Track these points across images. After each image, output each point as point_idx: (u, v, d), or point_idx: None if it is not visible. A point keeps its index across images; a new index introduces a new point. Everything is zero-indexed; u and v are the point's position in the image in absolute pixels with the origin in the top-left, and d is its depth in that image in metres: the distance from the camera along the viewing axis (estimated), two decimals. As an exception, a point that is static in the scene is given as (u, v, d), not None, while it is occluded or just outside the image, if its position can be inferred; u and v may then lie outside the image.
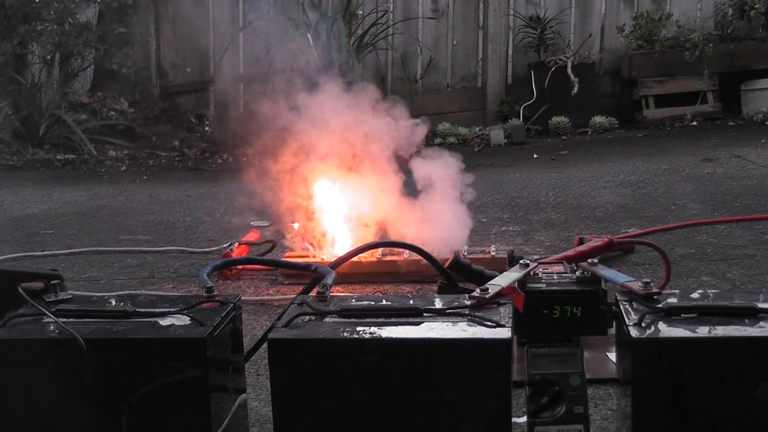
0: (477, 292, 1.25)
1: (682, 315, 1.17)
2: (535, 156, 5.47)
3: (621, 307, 1.22)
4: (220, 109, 6.91)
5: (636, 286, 1.25)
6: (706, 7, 6.77)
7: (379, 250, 2.52)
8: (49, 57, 7.08)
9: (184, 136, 6.87)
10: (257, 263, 2.67)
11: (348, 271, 2.36)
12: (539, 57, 6.68)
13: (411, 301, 1.29)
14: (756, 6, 6.28)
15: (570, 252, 2.44)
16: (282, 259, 2.61)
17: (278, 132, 2.56)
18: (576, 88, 6.32)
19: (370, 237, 2.54)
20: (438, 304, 1.25)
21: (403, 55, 6.92)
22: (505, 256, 2.41)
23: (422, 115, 6.61)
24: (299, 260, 2.51)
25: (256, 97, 2.66)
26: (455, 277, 1.66)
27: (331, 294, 1.31)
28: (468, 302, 1.24)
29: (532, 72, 6.55)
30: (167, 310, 1.26)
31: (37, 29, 6.68)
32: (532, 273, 1.34)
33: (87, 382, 1.16)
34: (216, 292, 1.31)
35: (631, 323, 1.15)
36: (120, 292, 2.46)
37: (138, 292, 2.51)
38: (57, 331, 1.20)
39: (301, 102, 2.51)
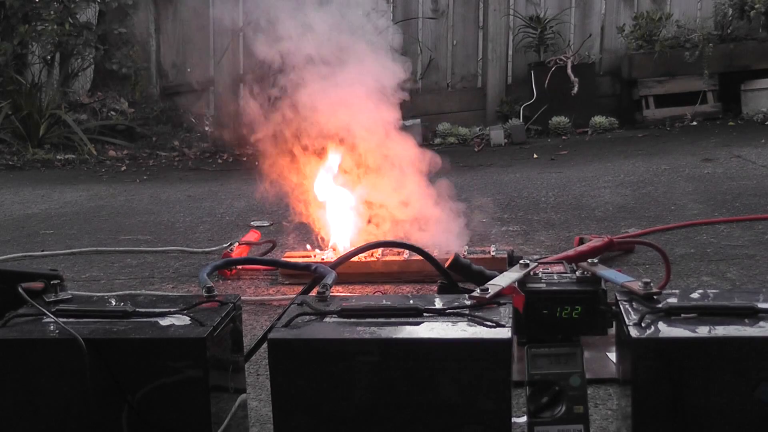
0: (477, 292, 1.25)
1: (682, 315, 1.17)
2: (535, 156, 5.47)
3: (621, 307, 1.22)
4: (220, 108, 6.91)
5: (636, 286, 1.25)
6: (706, 7, 6.77)
7: (379, 250, 2.52)
8: (49, 57, 7.08)
9: (184, 136, 6.87)
10: (257, 263, 2.66)
11: (348, 271, 2.36)
12: (539, 57, 6.68)
13: (411, 301, 1.29)
14: (756, 6, 6.28)
15: (570, 252, 2.44)
16: (282, 259, 2.61)
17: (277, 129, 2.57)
18: (576, 88, 6.32)
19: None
20: (438, 304, 1.24)
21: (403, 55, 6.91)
22: (505, 256, 2.41)
23: (422, 115, 6.65)
24: (299, 260, 2.51)
25: (256, 96, 2.66)
26: (455, 277, 1.65)
27: (331, 294, 1.31)
28: (468, 302, 1.24)
29: (532, 72, 6.55)
30: (167, 310, 1.26)
31: (37, 29, 6.69)
32: (532, 273, 1.34)
33: (87, 382, 1.16)
34: (216, 292, 1.31)
35: (631, 323, 1.15)
36: (120, 292, 2.46)
37: (138, 292, 2.51)
38: (57, 331, 1.20)
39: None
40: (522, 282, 1.31)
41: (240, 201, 4.23)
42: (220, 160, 6.23)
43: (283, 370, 1.15)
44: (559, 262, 1.43)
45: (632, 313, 1.19)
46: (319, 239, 2.67)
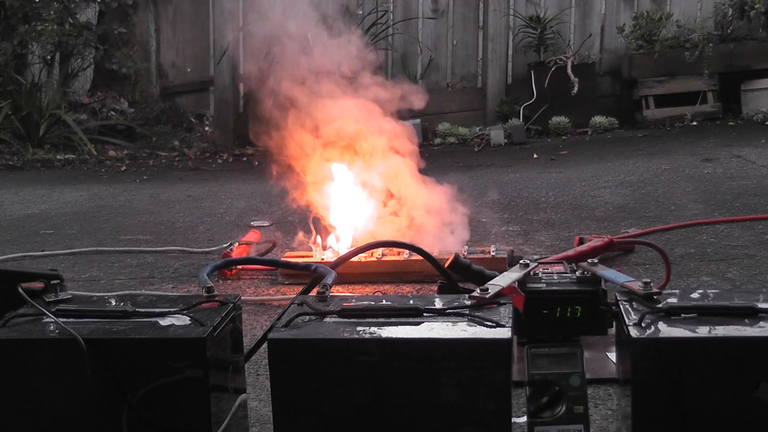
0: (477, 292, 1.25)
1: (682, 315, 1.17)
2: (535, 156, 5.47)
3: (621, 307, 1.22)
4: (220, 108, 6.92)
5: (636, 286, 1.25)
6: (706, 7, 6.77)
7: (379, 250, 2.52)
8: (49, 57, 7.08)
9: (184, 136, 6.87)
10: (257, 263, 2.66)
11: (348, 271, 2.36)
12: (539, 57, 6.68)
13: (411, 301, 1.29)
14: (756, 6, 6.28)
15: (570, 252, 2.44)
16: (282, 259, 2.61)
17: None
18: (576, 88, 6.32)
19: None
20: (438, 304, 1.24)
21: (403, 55, 6.92)
22: (505, 256, 2.41)
23: (422, 115, 6.65)
24: (299, 260, 2.51)
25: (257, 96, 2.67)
26: (455, 277, 1.65)
27: (331, 294, 1.31)
28: (468, 302, 1.24)
29: (532, 72, 6.55)
30: (167, 310, 1.26)
31: (37, 29, 6.69)
32: (532, 273, 1.34)
33: (87, 382, 1.16)
34: (216, 292, 1.31)
35: (631, 323, 1.15)
36: (120, 292, 2.46)
37: (138, 292, 2.51)
38: (57, 331, 1.20)
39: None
40: (522, 282, 1.31)
41: (240, 201, 4.23)
42: (220, 160, 6.23)
43: (283, 370, 1.15)
44: (559, 262, 1.43)
45: (632, 313, 1.19)
46: (321, 236, 2.68)
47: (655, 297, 1.22)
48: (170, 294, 2.47)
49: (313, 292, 1.37)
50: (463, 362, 1.11)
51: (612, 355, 1.60)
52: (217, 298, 1.29)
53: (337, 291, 2.32)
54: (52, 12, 6.72)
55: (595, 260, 1.37)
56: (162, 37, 7.35)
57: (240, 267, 2.63)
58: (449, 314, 1.20)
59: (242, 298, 1.69)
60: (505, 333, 1.13)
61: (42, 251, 3.15)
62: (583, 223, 3.20)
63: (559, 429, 1.21)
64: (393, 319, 1.20)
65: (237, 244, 2.82)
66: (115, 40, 7.12)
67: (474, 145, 6.24)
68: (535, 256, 2.29)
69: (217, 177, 5.38)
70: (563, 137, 6.25)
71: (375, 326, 1.18)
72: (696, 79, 6.30)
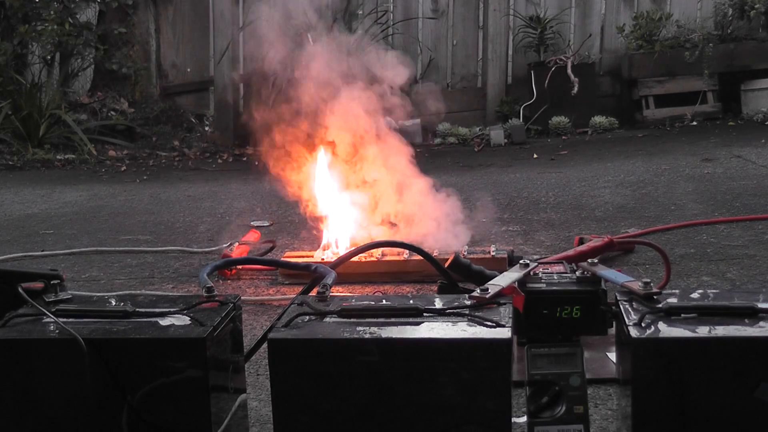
0: (477, 292, 1.25)
1: (682, 315, 1.17)
2: (535, 156, 5.47)
3: (621, 307, 1.22)
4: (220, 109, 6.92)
5: (636, 286, 1.25)
6: (706, 7, 6.77)
7: (379, 250, 2.52)
8: (49, 57, 7.08)
9: (184, 136, 6.87)
10: (257, 263, 2.66)
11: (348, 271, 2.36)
12: (539, 57, 6.68)
13: (411, 301, 1.29)
14: (756, 6, 6.28)
15: (570, 252, 2.44)
16: (282, 259, 2.61)
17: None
18: (576, 88, 6.32)
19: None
20: (438, 304, 1.24)
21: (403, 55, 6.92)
22: (505, 256, 2.41)
23: (422, 115, 6.63)
24: (299, 260, 2.51)
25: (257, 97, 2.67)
26: (455, 277, 1.65)
27: (331, 294, 1.31)
28: (468, 302, 1.24)
29: (532, 72, 6.55)
30: (167, 310, 1.26)
31: (37, 29, 6.69)
32: (532, 273, 1.34)
33: (87, 382, 1.16)
34: (216, 292, 1.31)
35: (631, 323, 1.15)
36: (120, 292, 2.46)
37: (138, 292, 2.51)
38: (57, 331, 1.20)
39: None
40: (522, 282, 1.30)
41: (240, 201, 4.23)
42: (220, 160, 6.23)
43: (283, 370, 1.15)
44: (559, 262, 1.43)
45: (632, 313, 1.19)
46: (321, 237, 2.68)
47: (655, 297, 1.22)
48: (170, 294, 2.47)
49: (313, 292, 1.37)
50: (463, 362, 1.11)
51: (612, 355, 1.60)
52: (217, 298, 1.29)
53: (337, 291, 2.32)
54: (52, 12, 6.72)
55: (595, 260, 1.37)
56: (162, 37, 7.35)
57: (240, 267, 2.63)
58: (449, 314, 1.20)
59: (242, 298, 1.69)
60: (505, 333, 1.13)
61: (42, 251, 3.15)
62: (583, 223, 3.20)
63: (559, 429, 1.21)
64: (393, 319, 1.20)
65: (237, 244, 2.82)
66: (115, 40, 7.12)
67: (474, 145, 6.24)
68: (535, 256, 2.29)
69: (217, 177, 5.38)
70: (563, 137, 6.25)
71: (375, 326, 1.17)
72: (696, 79, 6.30)
